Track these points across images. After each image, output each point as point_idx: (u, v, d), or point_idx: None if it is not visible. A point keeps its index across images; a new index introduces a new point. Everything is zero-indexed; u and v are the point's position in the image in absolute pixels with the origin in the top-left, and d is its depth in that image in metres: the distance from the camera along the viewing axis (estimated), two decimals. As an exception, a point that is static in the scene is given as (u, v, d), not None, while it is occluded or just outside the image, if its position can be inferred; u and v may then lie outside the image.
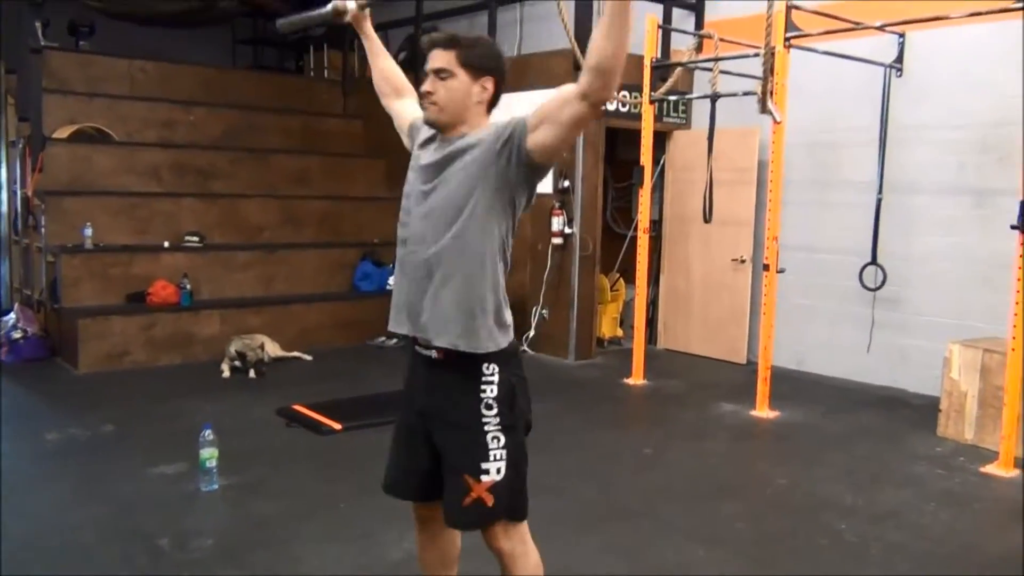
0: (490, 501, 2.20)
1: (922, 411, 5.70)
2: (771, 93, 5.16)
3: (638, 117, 6.60)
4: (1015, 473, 4.57)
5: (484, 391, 2.23)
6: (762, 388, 5.76)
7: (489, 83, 2.25)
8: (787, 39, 5.41)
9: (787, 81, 5.47)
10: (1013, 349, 4.55)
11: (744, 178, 7.09)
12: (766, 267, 5.68)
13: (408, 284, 2.30)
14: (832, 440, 5.25)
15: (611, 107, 7.15)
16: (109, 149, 7.83)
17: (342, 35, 10.27)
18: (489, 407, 2.23)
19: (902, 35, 6.09)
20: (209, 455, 4.01)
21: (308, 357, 7.03)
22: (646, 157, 6.46)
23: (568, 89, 2.02)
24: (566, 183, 7.18)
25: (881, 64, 6.15)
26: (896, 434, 5.34)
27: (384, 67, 2.76)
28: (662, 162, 7.74)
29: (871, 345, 6.50)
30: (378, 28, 9.62)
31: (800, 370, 6.94)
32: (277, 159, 8.81)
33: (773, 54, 5.08)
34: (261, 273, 7.77)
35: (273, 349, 6.86)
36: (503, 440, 2.23)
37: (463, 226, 2.18)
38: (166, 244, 7.43)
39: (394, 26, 9.69)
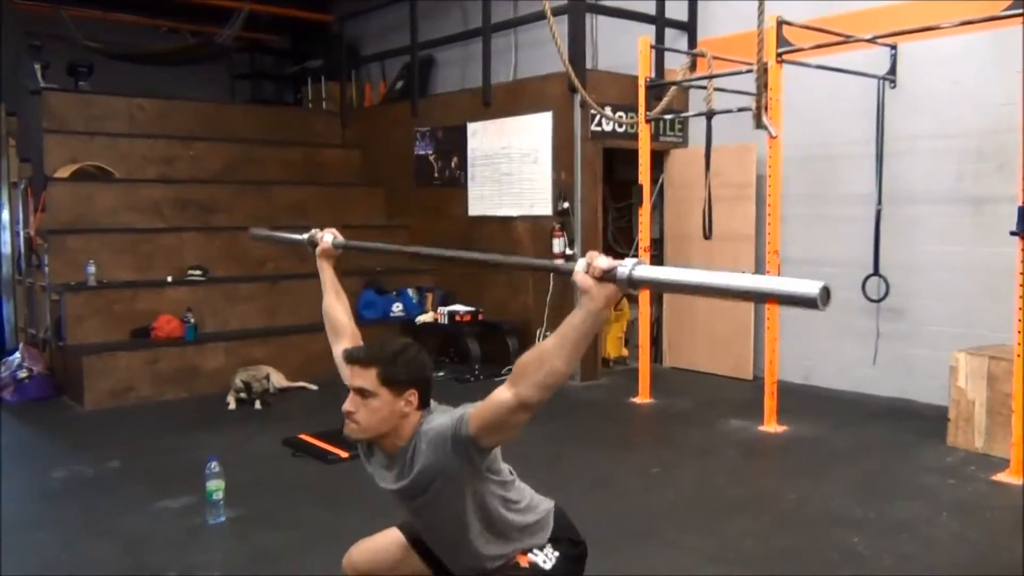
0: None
1: (931, 421, 5.66)
2: (765, 108, 5.19)
3: (635, 137, 6.63)
4: (1027, 480, 4.54)
5: None
6: (769, 403, 5.73)
7: (413, 396, 2.20)
8: (779, 54, 5.44)
9: (781, 96, 5.50)
10: (1019, 355, 4.53)
11: (743, 194, 7.10)
12: (768, 281, 5.66)
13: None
14: (841, 453, 5.22)
15: (607, 128, 7.19)
16: (110, 187, 7.89)
17: (339, 66, 10.37)
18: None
19: (894, 46, 6.12)
20: (215, 487, 4.00)
21: (313, 387, 7.02)
22: (644, 176, 6.48)
23: (507, 399, 1.94)
24: (565, 204, 7.20)
25: (874, 76, 6.18)
26: (905, 445, 5.31)
27: (330, 302, 2.69)
28: (661, 181, 7.76)
29: (877, 356, 6.48)
30: (375, 58, 9.68)
31: (807, 384, 6.91)
32: (277, 190, 8.86)
33: (766, 70, 5.11)
34: (264, 304, 7.79)
35: (278, 379, 6.86)
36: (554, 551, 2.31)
37: (470, 531, 2.22)
38: (169, 279, 7.45)
39: (391, 55, 9.78)
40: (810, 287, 1.51)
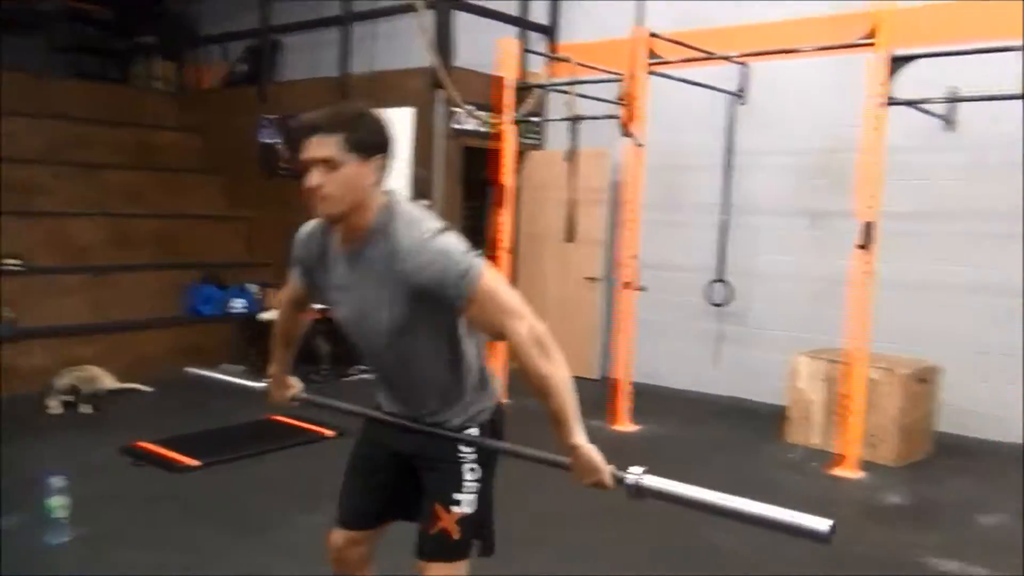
0: (456, 534, 2.15)
1: (767, 419, 6.01)
2: (632, 118, 5.32)
3: (490, 137, 6.63)
4: (861, 475, 4.92)
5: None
6: (623, 403, 5.89)
7: (381, 160, 2.03)
8: (649, 65, 5.59)
9: (646, 106, 5.66)
10: (858, 360, 4.90)
11: (595, 198, 7.27)
12: (626, 284, 5.83)
13: (382, 381, 2.29)
14: (694, 451, 5.45)
15: (468, 127, 7.14)
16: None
17: (174, 44, 9.72)
18: (468, 444, 2.21)
19: (745, 65, 6.45)
20: (58, 504, 3.61)
21: (148, 388, 6.51)
22: (507, 177, 6.49)
23: (512, 321, 2.04)
24: (426, 203, 7.08)
25: (726, 92, 6.48)
26: (750, 441, 5.63)
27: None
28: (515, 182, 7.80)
29: (718, 358, 6.82)
30: (219, 39, 9.11)
31: (650, 383, 7.15)
32: (106, 174, 8.17)
33: (635, 80, 5.24)
34: (91, 298, 7.15)
35: (109, 381, 6.32)
36: (480, 473, 2.20)
37: (409, 338, 2.10)
38: (-20, 268, 6.69)
39: (236, 38, 9.27)
40: (820, 524, 1.71)
